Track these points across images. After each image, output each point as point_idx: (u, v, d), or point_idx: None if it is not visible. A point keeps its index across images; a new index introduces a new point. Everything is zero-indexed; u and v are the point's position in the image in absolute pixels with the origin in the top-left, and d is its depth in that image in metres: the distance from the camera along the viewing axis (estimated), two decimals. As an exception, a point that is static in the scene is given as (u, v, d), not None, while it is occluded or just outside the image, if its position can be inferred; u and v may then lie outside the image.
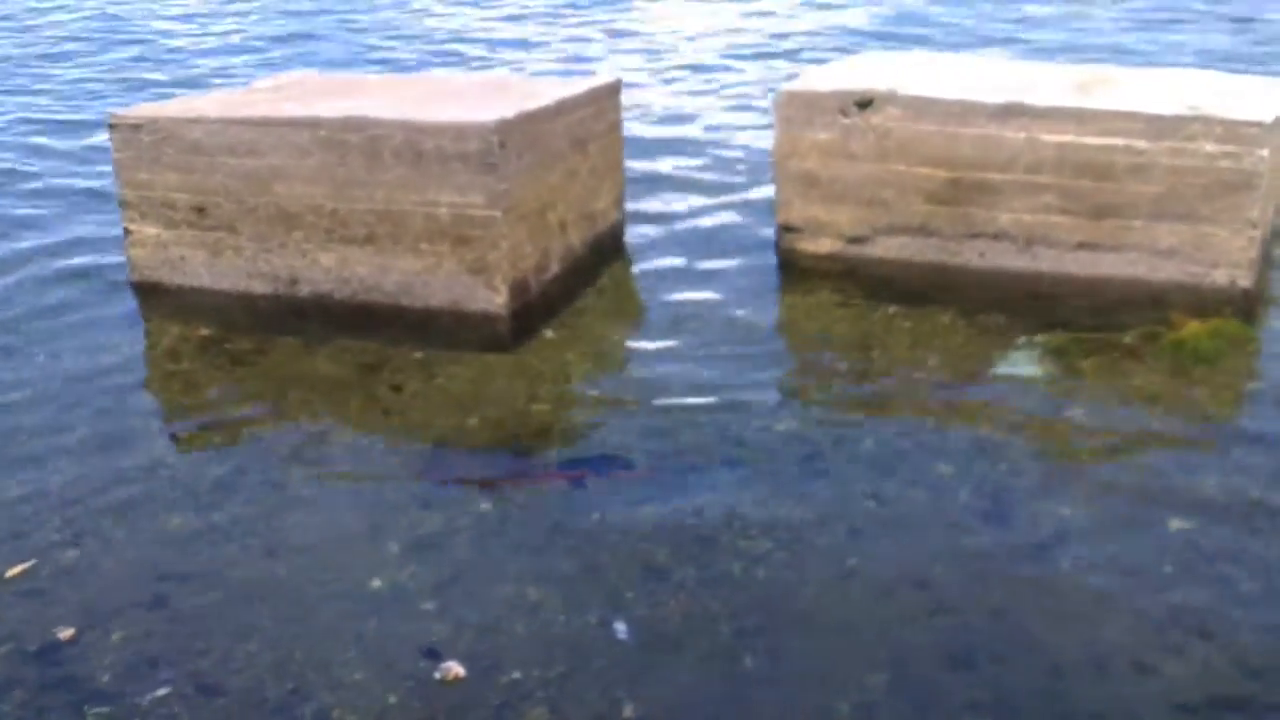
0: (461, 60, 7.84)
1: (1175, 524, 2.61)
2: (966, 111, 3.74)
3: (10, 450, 3.11)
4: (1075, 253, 3.75)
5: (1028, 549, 2.54)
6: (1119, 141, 3.61)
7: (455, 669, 2.23)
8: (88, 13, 9.86)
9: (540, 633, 2.32)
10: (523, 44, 8.23)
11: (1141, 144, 3.59)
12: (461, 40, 8.45)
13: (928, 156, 3.81)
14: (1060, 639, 2.26)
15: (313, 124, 3.70)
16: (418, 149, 3.60)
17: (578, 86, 4.19)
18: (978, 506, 2.70)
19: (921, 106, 3.79)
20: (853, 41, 7.58)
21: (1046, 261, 3.78)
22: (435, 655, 2.27)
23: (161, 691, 2.19)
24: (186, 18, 9.76)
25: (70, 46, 8.68)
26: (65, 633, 2.37)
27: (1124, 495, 2.73)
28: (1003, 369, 3.36)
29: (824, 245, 4.03)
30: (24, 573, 2.58)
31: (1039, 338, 3.51)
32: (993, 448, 2.95)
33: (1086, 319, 3.59)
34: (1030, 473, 2.84)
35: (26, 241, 4.78)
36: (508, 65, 7.63)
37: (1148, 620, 2.31)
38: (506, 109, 3.66)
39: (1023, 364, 3.37)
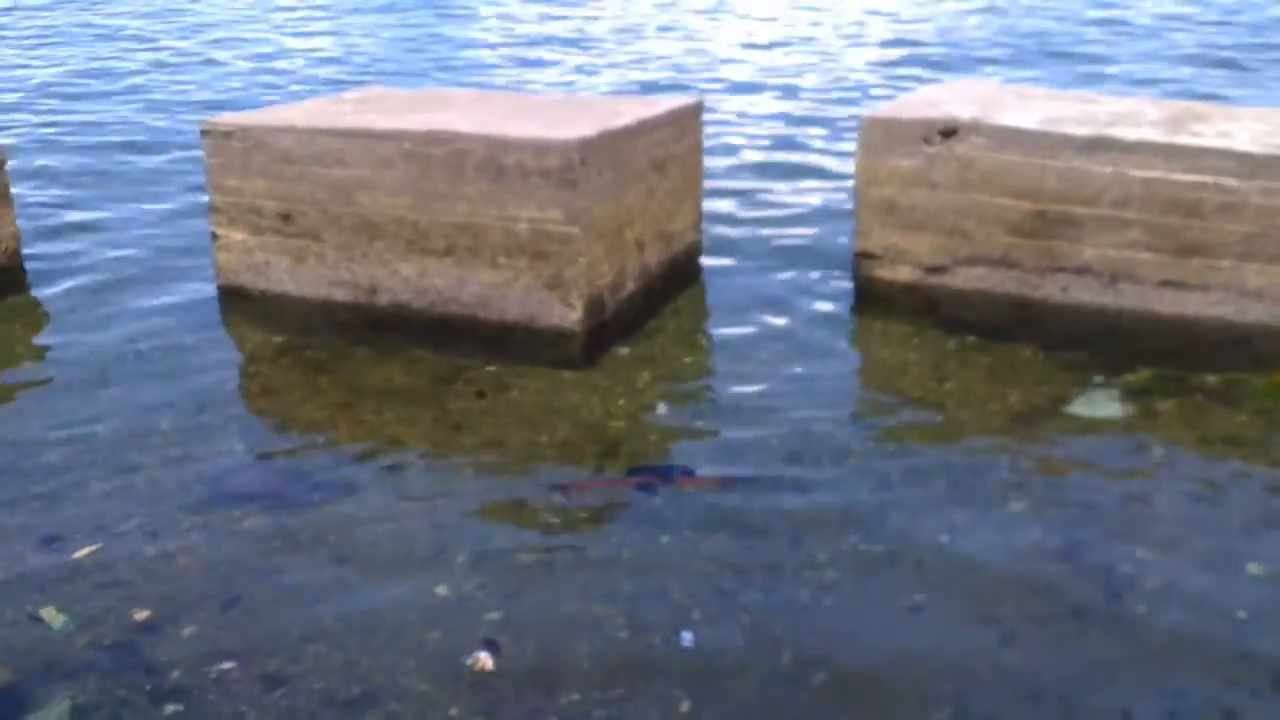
0: (543, 69, 7.91)
1: (1253, 570, 2.55)
2: (1053, 143, 3.69)
3: (93, 449, 3.18)
4: (1160, 290, 3.68)
5: (1100, 589, 2.50)
6: (1209, 179, 3.54)
7: (484, 660, 2.27)
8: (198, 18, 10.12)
9: (603, 650, 2.32)
10: (608, 62, 8.28)
11: (1232, 182, 3.52)
12: (545, 52, 8.52)
13: (1011, 187, 3.77)
14: (1131, 680, 2.22)
15: (397, 136, 3.76)
16: (499, 164, 3.64)
17: (659, 106, 4.21)
18: (1050, 545, 2.66)
19: (1007, 137, 3.75)
20: (943, 71, 7.53)
21: (1130, 299, 3.72)
22: (493, 647, 2.31)
23: (230, 685, 2.23)
24: (281, 29, 9.97)
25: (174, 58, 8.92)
26: (141, 614, 2.43)
27: (1201, 539, 2.68)
28: (1080, 407, 3.30)
29: (902, 274, 4.00)
30: (91, 554, 2.65)
31: (1119, 377, 3.45)
32: (1067, 486, 2.90)
33: (1169, 359, 3.53)
34: (1105, 513, 2.79)
35: (118, 241, 4.92)
36: (591, 80, 7.69)
37: (1222, 665, 2.25)
38: (588, 127, 3.69)
39: (1101, 403, 3.31)
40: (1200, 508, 2.82)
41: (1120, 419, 3.24)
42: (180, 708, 2.19)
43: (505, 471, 3.03)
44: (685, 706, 2.17)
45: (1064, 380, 3.45)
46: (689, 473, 3.01)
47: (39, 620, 2.45)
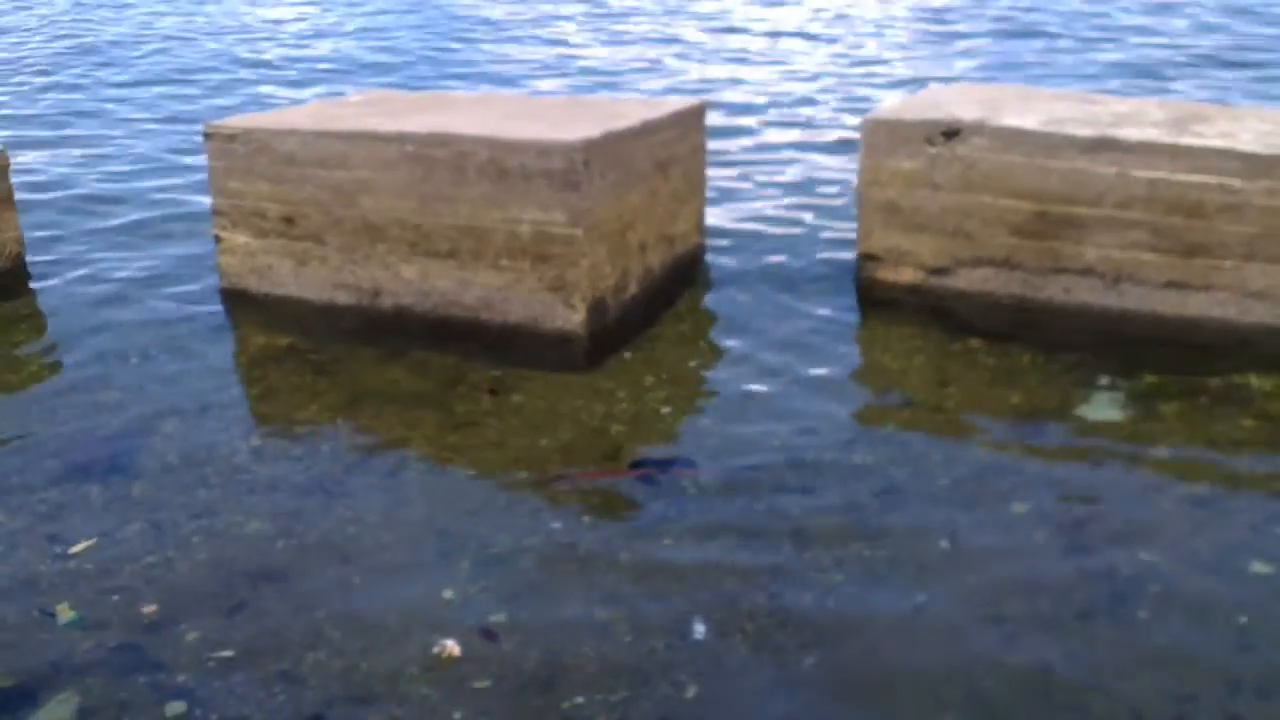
0: (549, 73, 7.92)
1: (1258, 569, 2.55)
2: (1056, 144, 3.69)
3: (96, 452, 3.19)
4: (1163, 291, 3.68)
5: (1105, 592, 2.49)
6: (1212, 179, 3.54)
7: (451, 648, 2.31)
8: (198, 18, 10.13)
9: (607, 654, 2.32)
10: (611, 62, 8.28)
11: (1236, 183, 3.52)
12: (549, 55, 8.53)
13: (1014, 189, 3.77)
14: (1137, 684, 2.21)
15: (400, 139, 3.76)
16: (502, 165, 3.64)
17: (662, 108, 4.21)
18: (1054, 547, 2.65)
19: (1009, 138, 3.75)
20: (946, 71, 7.53)
21: (1133, 300, 3.71)
22: (491, 635, 2.32)
23: (234, 688, 2.23)
24: (282, 33, 9.97)
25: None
26: (147, 611, 2.45)
27: (1205, 541, 2.67)
28: (1084, 409, 3.30)
29: (905, 275, 3.99)
30: (94, 556, 2.67)
31: (1122, 379, 3.44)
32: (1071, 489, 2.90)
33: (1172, 361, 3.52)
34: (1109, 516, 2.78)
35: (121, 244, 4.92)
36: (594, 82, 7.69)
37: (1228, 667, 2.25)
38: (591, 128, 3.69)
39: (1105, 405, 3.31)
40: (1205, 510, 2.82)
41: (1124, 421, 3.24)
42: (183, 708, 2.19)
43: (509, 474, 3.03)
44: (688, 713, 2.17)
45: (1067, 382, 3.45)
46: (691, 465, 3.02)
47: (49, 615, 2.46)
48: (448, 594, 2.52)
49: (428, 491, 2.97)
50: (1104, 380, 3.45)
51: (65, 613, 2.48)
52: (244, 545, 2.73)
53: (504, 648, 2.35)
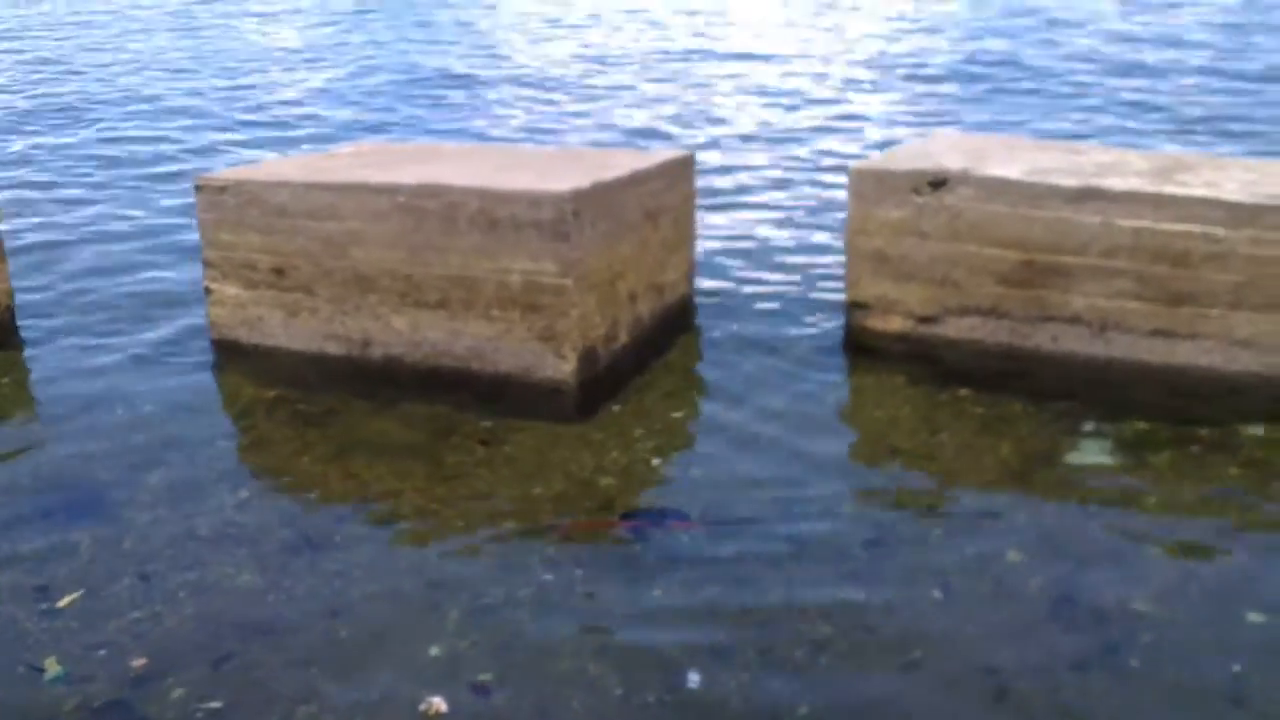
0: (542, 125, 7.97)
1: (1252, 618, 2.55)
2: (1040, 194, 3.72)
3: (84, 503, 3.17)
4: (1150, 340, 3.70)
5: (1098, 641, 2.49)
6: (1196, 228, 3.57)
7: (438, 704, 2.28)
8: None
9: (599, 708, 2.30)
10: (602, 112, 8.35)
11: (1220, 231, 3.55)
12: (541, 107, 8.59)
13: (1000, 238, 3.80)
14: (1130, 739, 2.21)
15: (391, 190, 3.78)
16: (492, 216, 3.66)
17: (652, 158, 4.24)
18: (1046, 597, 2.65)
19: (995, 187, 3.78)
20: (934, 118, 7.60)
21: (1120, 348, 3.73)
22: (483, 691, 2.31)
23: (221, 751, 2.21)
24: (272, 84, 10.04)
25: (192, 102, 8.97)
26: (135, 664, 2.43)
27: (1198, 589, 2.67)
28: (1074, 457, 3.31)
29: (893, 324, 4.01)
30: (80, 609, 2.64)
31: (1111, 426, 3.45)
32: (1062, 538, 2.90)
33: (1161, 408, 3.54)
34: (1101, 564, 2.78)
35: (115, 293, 4.92)
36: (585, 131, 7.74)
37: (1223, 717, 2.25)
38: (581, 179, 3.71)
39: (1094, 453, 3.32)
40: (1196, 558, 2.82)
41: (1114, 469, 3.24)
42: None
43: (499, 526, 3.02)
44: (681, 764, 2.16)
45: (1057, 430, 3.46)
46: (683, 517, 3.01)
47: (37, 670, 2.43)
48: (436, 649, 2.50)
49: (418, 543, 2.95)
50: (1093, 428, 3.46)
51: (52, 667, 2.46)
52: (233, 598, 2.71)
53: (494, 702, 2.33)
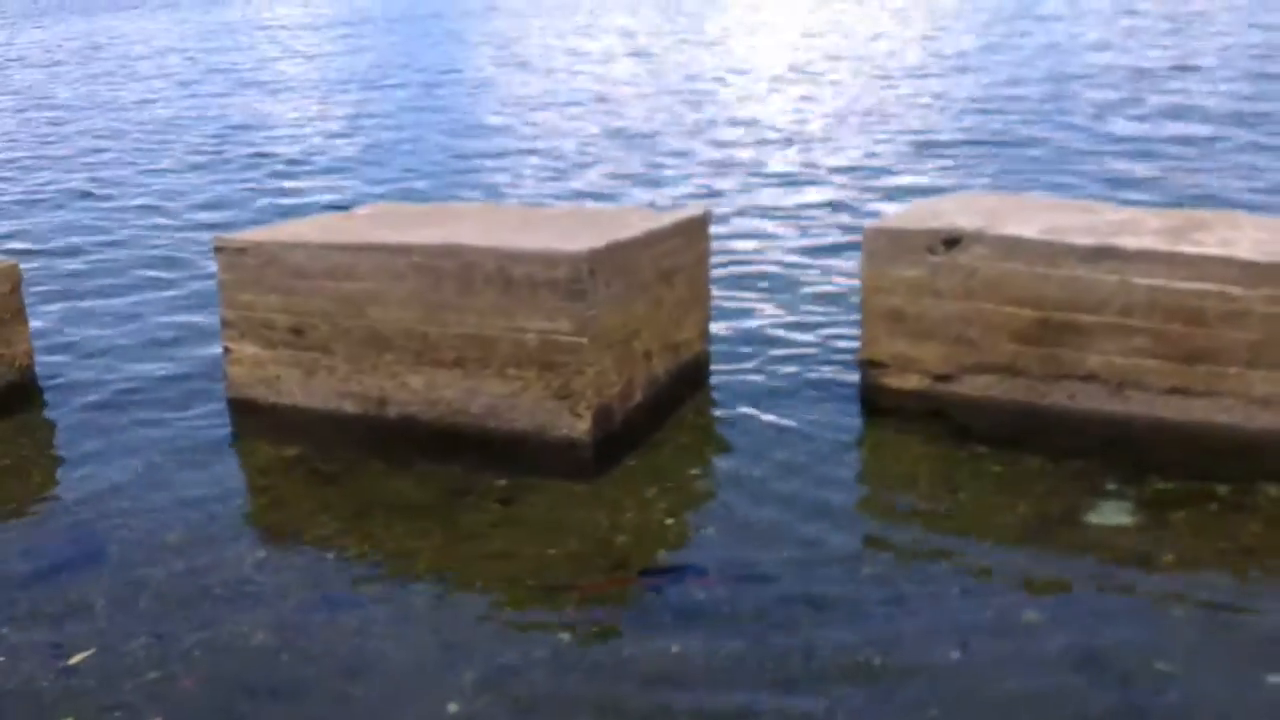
0: (554, 185, 8.04)
1: (1273, 680, 2.52)
2: (1056, 253, 3.73)
3: (101, 561, 3.18)
4: (1167, 398, 3.69)
5: (1119, 701, 2.46)
6: (1212, 287, 3.57)
7: None
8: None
9: (615, 770, 2.29)
10: (614, 173, 8.42)
11: (1236, 290, 3.55)
12: (556, 168, 8.67)
13: (1015, 296, 3.80)
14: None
15: (408, 250, 3.81)
16: (508, 275, 3.68)
17: (667, 218, 4.26)
18: (1067, 657, 2.62)
19: (1009, 246, 3.79)
20: (945, 180, 7.64)
21: (1138, 406, 3.72)
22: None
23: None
24: (295, 139, 10.16)
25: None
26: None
27: (1219, 650, 2.64)
28: (1092, 517, 3.29)
29: (910, 382, 4.01)
30: (96, 668, 2.63)
31: (1130, 485, 3.44)
32: (1082, 597, 2.88)
33: (1179, 467, 3.52)
34: (1121, 624, 2.76)
35: (130, 354, 4.95)
36: (602, 194, 7.81)
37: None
38: (596, 238, 3.74)
39: (1113, 512, 3.30)
40: (1218, 618, 2.79)
41: (1133, 528, 3.22)
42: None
43: (515, 586, 3.01)
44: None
45: (1075, 489, 3.44)
46: (701, 573, 3.00)
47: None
48: (453, 708, 2.49)
49: (434, 603, 2.95)
50: (1112, 486, 3.44)
51: (67, 729, 2.45)
52: (248, 658, 2.71)
53: (511, 763, 2.32)
